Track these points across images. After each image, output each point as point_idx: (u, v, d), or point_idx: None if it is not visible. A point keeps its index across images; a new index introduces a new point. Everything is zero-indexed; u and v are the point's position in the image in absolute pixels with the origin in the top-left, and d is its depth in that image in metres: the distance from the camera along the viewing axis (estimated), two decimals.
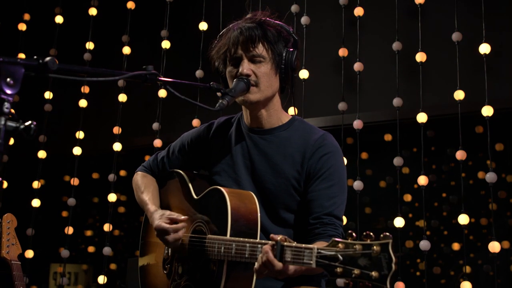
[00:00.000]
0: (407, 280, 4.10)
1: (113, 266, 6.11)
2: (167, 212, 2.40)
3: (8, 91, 1.47)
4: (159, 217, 2.38)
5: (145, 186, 2.65)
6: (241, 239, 2.10)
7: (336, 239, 1.73)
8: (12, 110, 1.48)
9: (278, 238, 1.90)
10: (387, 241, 1.63)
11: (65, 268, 5.21)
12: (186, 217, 2.37)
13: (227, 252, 2.12)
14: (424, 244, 3.98)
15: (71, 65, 1.72)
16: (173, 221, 2.35)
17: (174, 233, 2.33)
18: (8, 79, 1.48)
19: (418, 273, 4.87)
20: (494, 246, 3.76)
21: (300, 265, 1.83)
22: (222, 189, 2.28)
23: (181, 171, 2.60)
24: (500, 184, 4.33)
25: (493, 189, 3.90)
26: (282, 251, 1.88)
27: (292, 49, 2.42)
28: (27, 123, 1.47)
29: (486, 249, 3.82)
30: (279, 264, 1.90)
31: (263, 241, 1.99)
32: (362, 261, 1.65)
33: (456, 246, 4.82)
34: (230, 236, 2.15)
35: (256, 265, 1.97)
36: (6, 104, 1.46)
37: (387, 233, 1.64)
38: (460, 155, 4.01)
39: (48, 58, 1.59)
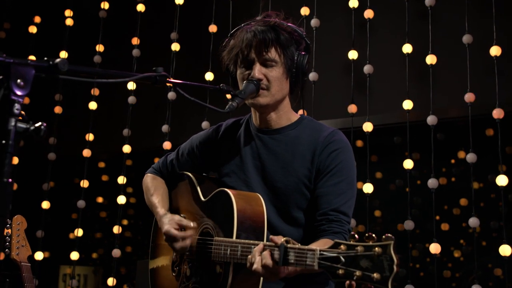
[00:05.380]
0: (417, 283, 4.08)
1: (122, 268, 6.11)
2: (176, 217, 2.39)
3: (19, 93, 1.47)
4: (168, 222, 2.38)
5: (154, 189, 2.66)
6: (247, 241, 2.10)
7: (338, 240, 1.72)
8: (23, 112, 1.48)
9: (282, 240, 1.89)
10: (389, 243, 1.61)
11: (75, 270, 5.22)
12: (195, 223, 2.37)
13: (233, 254, 2.12)
14: (434, 247, 3.96)
15: (81, 67, 1.72)
16: (182, 227, 2.35)
17: (182, 241, 2.33)
18: (19, 81, 1.48)
19: (428, 277, 4.85)
20: (505, 250, 3.74)
21: (303, 267, 1.83)
22: (228, 191, 2.28)
23: (190, 174, 2.60)
24: (511, 187, 4.30)
25: (503, 192, 3.88)
26: (286, 253, 1.87)
27: (304, 53, 2.41)
28: (37, 125, 1.47)
29: (496, 253, 3.80)
30: (275, 266, 1.91)
31: (268, 243, 1.98)
32: (363, 263, 1.64)
33: (466, 249, 4.79)
34: (236, 238, 2.15)
35: (255, 265, 1.97)
36: (17, 106, 1.45)
37: (389, 234, 1.63)
38: (471, 158, 3.99)
39: (58, 60, 1.58)
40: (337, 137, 2.39)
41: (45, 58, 1.59)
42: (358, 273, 1.64)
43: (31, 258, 3.09)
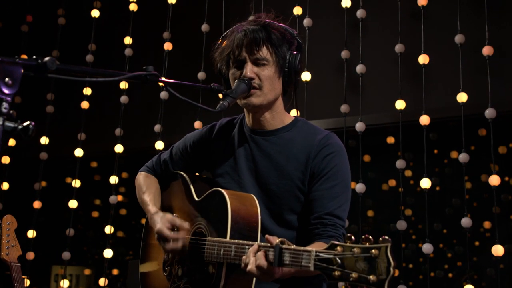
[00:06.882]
0: (410, 283, 4.08)
1: (114, 268, 6.09)
2: (169, 216, 2.38)
3: (6, 91, 1.45)
4: (160, 221, 2.36)
5: (147, 187, 2.64)
6: (241, 241, 2.08)
7: (335, 242, 1.71)
8: (12, 111, 1.46)
9: (277, 241, 1.88)
10: (386, 245, 1.60)
11: (66, 270, 5.19)
12: (187, 223, 2.36)
13: (226, 254, 2.11)
14: (427, 248, 3.96)
15: (71, 65, 1.71)
16: (174, 226, 2.34)
17: (174, 243, 2.32)
18: (7, 79, 1.46)
19: (421, 277, 4.85)
20: (498, 250, 3.75)
21: (298, 268, 1.82)
22: (223, 191, 2.27)
23: (183, 173, 2.58)
24: (504, 187, 4.31)
25: (496, 192, 3.88)
26: (281, 254, 1.86)
27: (296, 52, 2.40)
28: (25, 124, 1.45)
29: (489, 253, 3.80)
30: (269, 267, 1.91)
31: (263, 243, 1.97)
32: (360, 265, 1.63)
33: (459, 249, 4.79)
34: (230, 238, 2.14)
35: (249, 266, 1.96)
36: (4, 104, 1.44)
37: (386, 237, 1.62)
38: (463, 158, 3.99)
39: (47, 58, 1.57)
40: (332, 141, 2.38)
41: (34, 57, 1.57)
42: (354, 275, 1.63)
43: (22, 258, 3.07)
